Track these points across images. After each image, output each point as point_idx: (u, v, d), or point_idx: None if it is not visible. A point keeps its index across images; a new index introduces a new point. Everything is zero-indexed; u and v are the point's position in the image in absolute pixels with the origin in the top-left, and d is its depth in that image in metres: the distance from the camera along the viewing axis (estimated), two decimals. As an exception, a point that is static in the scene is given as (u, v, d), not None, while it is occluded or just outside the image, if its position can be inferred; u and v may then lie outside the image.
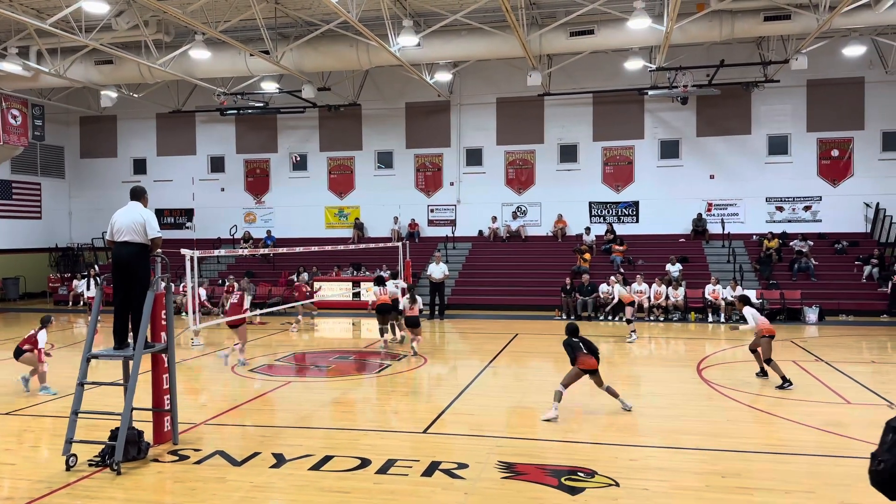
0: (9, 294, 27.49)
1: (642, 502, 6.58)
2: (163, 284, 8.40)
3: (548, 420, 9.39)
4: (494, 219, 26.88)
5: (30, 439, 8.94)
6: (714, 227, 25.07)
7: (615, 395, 9.92)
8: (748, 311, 11.98)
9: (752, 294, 20.58)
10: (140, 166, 30.25)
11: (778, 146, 25.08)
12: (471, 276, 24.79)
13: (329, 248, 19.68)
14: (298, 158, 28.21)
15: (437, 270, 21.35)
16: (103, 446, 7.73)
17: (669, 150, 25.87)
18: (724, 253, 23.88)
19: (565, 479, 7.15)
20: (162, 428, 8.44)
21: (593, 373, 9.78)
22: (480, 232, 27.11)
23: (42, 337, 11.53)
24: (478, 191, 27.29)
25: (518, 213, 27.15)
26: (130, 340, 8.24)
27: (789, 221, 24.88)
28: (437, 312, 21.35)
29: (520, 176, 27.08)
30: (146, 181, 28.41)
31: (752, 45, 23.98)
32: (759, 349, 11.75)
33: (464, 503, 6.62)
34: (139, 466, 7.65)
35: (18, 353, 11.53)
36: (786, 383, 11.21)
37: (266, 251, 22.11)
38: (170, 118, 29.20)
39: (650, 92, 24.47)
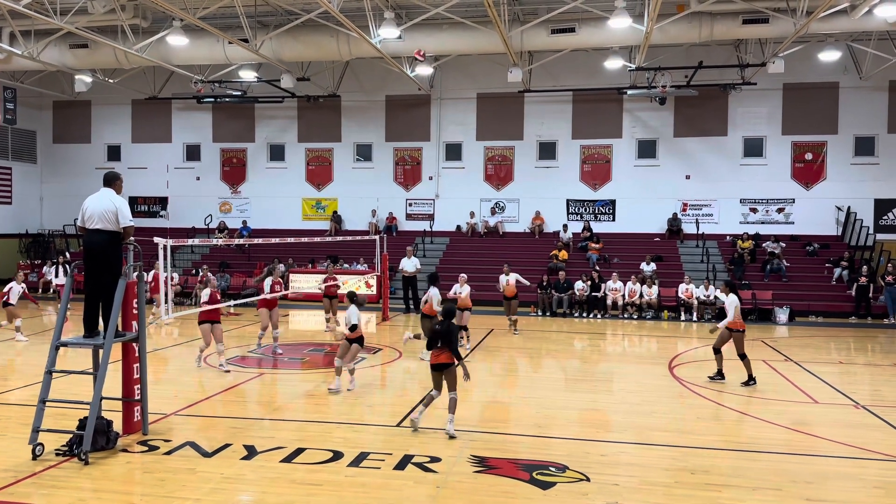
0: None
1: (612, 497, 6.63)
2: (135, 273, 8.29)
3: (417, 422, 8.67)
4: (472, 214, 26.91)
5: (-5, 428, 8.78)
6: (689, 227, 25.34)
7: (452, 409, 8.43)
8: (731, 300, 11.58)
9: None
10: (114, 153, 29.78)
11: (753, 148, 25.40)
12: (448, 270, 24.66)
13: (305, 239, 19.54)
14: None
15: (409, 264, 21.05)
16: (71, 436, 7.62)
17: (647, 149, 26.07)
18: (697, 253, 24.15)
19: (537, 474, 7.19)
20: (132, 418, 8.34)
21: (447, 370, 8.48)
22: (458, 227, 27.12)
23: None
24: (456, 186, 27.28)
25: (496, 209, 27.19)
26: (101, 329, 8.13)
27: (762, 223, 25.21)
28: (410, 307, 21.25)
29: (498, 172, 27.13)
30: (120, 168, 27.94)
31: (730, 47, 24.24)
32: (726, 345, 11.63)
33: (436, 496, 6.62)
34: (107, 456, 7.56)
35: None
36: (751, 381, 11.39)
37: (241, 242, 21.92)
38: (145, 105, 28.77)
39: (629, 91, 24.64)
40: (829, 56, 22.40)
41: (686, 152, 25.76)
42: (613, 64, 22.65)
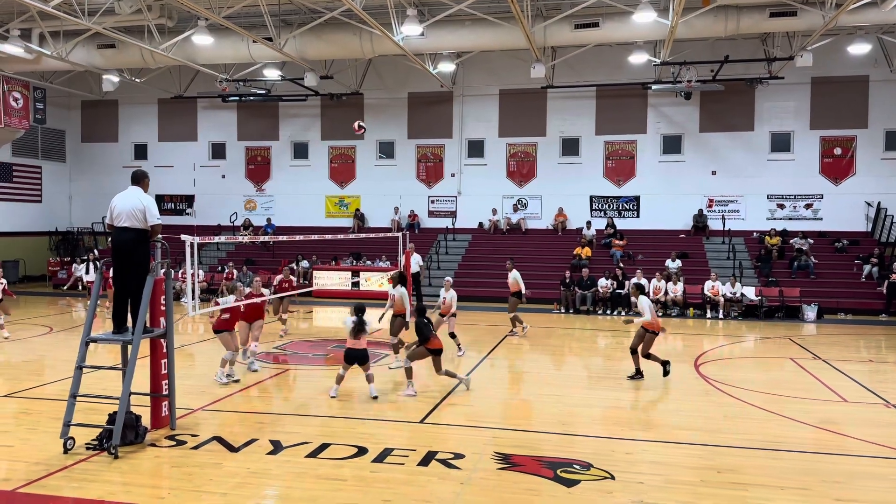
0: (8, 277, 27.37)
1: (637, 495, 6.59)
2: (162, 270, 8.39)
3: (409, 396, 10.31)
4: (495, 211, 26.86)
5: (28, 422, 8.96)
6: (715, 224, 25.05)
7: (453, 375, 10.69)
8: (644, 301, 11.57)
9: (751, 291, 20.66)
10: (141, 151, 30.20)
11: (780, 143, 25.03)
12: (470, 268, 24.77)
13: (329, 237, 19.65)
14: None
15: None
16: (101, 430, 7.75)
17: (671, 145, 25.82)
18: (724, 249, 23.87)
19: (561, 472, 7.17)
20: (160, 413, 8.46)
21: (439, 353, 10.47)
22: (481, 224, 27.09)
23: None
24: (479, 183, 27.24)
25: (519, 206, 27.11)
26: (129, 325, 8.25)
27: (790, 219, 24.85)
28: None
29: (521, 168, 27.04)
30: (147, 166, 28.33)
31: (756, 41, 23.89)
32: (641, 344, 11.48)
33: (460, 493, 6.63)
34: (136, 451, 7.67)
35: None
36: (667, 366, 11.46)
37: (266, 239, 22.12)
38: (171, 104, 29.11)
39: (654, 86, 24.41)
40: (859, 49, 21.97)
41: (712, 148, 25.47)
42: (638, 59, 22.46)
